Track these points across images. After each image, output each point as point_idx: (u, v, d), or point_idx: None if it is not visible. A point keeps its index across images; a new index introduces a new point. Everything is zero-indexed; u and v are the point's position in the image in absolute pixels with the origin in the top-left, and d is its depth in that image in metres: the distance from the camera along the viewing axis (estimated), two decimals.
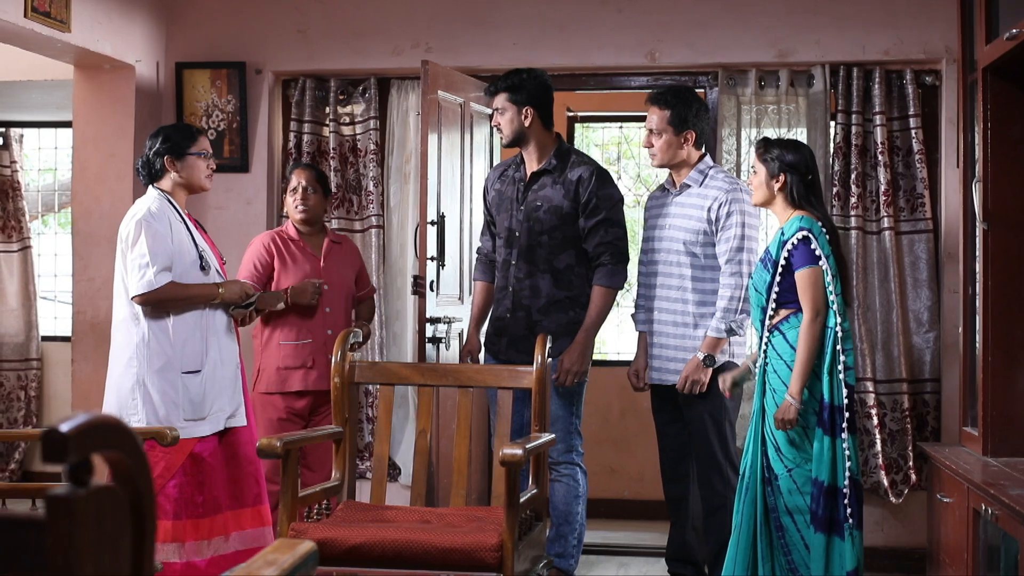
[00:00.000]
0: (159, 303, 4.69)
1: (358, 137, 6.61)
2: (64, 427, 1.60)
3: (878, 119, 6.14)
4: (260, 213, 6.54)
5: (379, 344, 6.52)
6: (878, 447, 6.04)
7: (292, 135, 6.61)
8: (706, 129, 5.39)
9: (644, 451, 7.54)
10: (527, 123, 5.30)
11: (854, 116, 6.17)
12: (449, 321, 5.88)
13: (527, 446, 3.94)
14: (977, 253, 4.75)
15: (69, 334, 8.40)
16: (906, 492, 6.10)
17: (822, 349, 4.60)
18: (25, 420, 8.08)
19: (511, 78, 5.31)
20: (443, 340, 5.83)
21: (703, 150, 5.36)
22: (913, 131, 6.14)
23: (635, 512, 7.44)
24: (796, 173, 4.74)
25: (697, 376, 5.17)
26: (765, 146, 4.84)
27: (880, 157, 6.12)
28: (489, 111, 6.37)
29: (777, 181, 4.76)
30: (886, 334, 6.14)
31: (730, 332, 5.16)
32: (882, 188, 6.12)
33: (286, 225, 5.72)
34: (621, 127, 8.21)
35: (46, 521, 1.61)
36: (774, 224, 5.94)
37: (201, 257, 4.85)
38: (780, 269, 4.69)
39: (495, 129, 5.45)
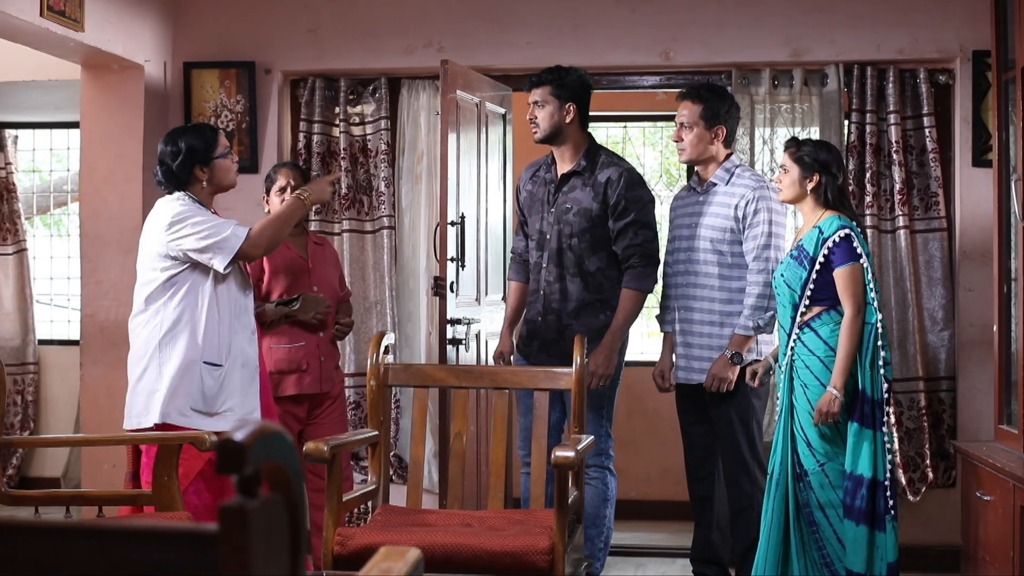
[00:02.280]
0: (266, 244, 4.60)
1: (368, 137, 6.56)
2: (239, 436, 1.56)
3: (892, 118, 6.15)
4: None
5: (392, 346, 6.46)
6: (895, 445, 6.05)
7: (302, 135, 6.55)
8: (736, 128, 5.37)
9: (650, 452, 7.54)
10: (567, 120, 5.25)
11: (868, 115, 6.17)
12: (468, 322, 5.84)
13: (578, 448, 3.92)
14: (1014, 251, 4.76)
15: (66, 337, 8.35)
16: (923, 490, 6.11)
17: (863, 344, 4.63)
18: (22, 425, 7.97)
19: (557, 72, 5.26)
20: (463, 342, 5.78)
21: (731, 149, 5.34)
22: (927, 130, 6.15)
23: (642, 513, 7.42)
24: (829, 173, 4.76)
25: (724, 374, 5.15)
26: (797, 145, 4.85)
27: (895, 156, 6.13)
28: (502, 111, 6.35)
29: (811, 181, 4.77)
30: (902, 333, 6.15)
31: (758, 330, 5.15)
32: (897, 187, 6.12)
33: None
34: (625, 127, 8.18)
35: (220, 534, 1.56)
36: (797, 221, 5.96)
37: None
38: (818, 266, 4.70)
39: (530, 122, 5.32)
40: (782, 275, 4.86)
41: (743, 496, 5.24)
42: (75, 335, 8.24)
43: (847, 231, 4.69)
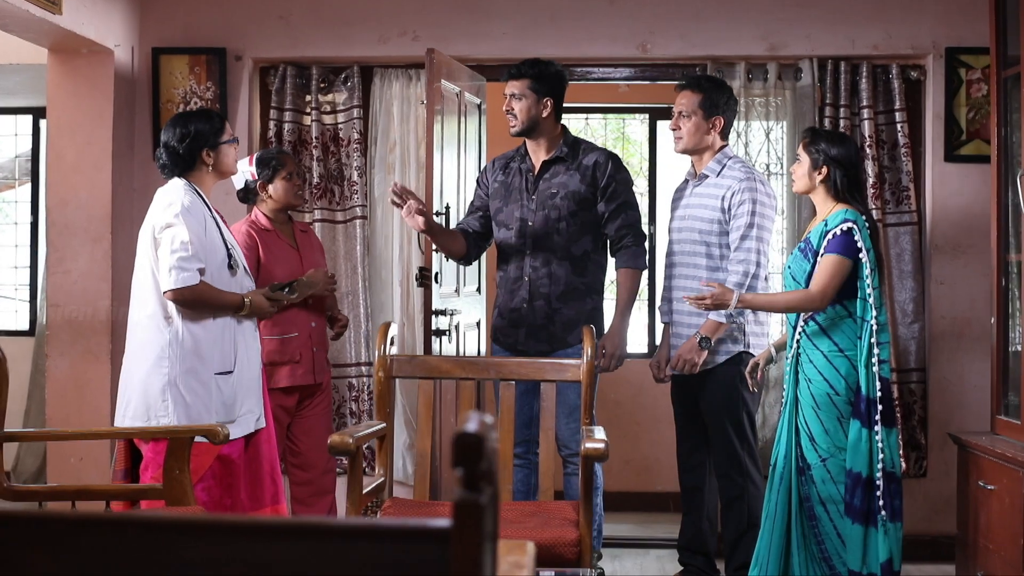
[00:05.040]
0: (191, 303, 4.49)
1: (340, 126, 6.47)
2: (472, 428, 1.53)
3: (865, 113, 6.22)
4: (240, 204, 6.32)
5: (364, 337, 6.41)
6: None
7: (272, 124, 6.44)
8: (733, 120, 5.40)
9: (611, 444, 7.52)
10: (544, 114, 5.24)
11: (841, 109, 6.23)
12: (451, 313, 5.80)
13: (605, 439, 3.91)
14: (1012, 245, 4.84)
15: (14, 328, 8.15)
16: None
17: (861, 342, 4.66)
18: None
19: (537, 66, 5.25)
20: (446, 333, 5.75)
21: (727, 141, 5.36)
22: (899, 125, 6.24)
23: (604, 504, 7.41)
24: (839, 167, 4.79)
25: (690, 356, 5.18)
26: (811, 137, 4.88)
27: (868, 150, 6.20)
28: (478, 101, 6.32)
29: (819, 173, 4.81)
30: None
31: (729, 318, 5.16)
32: (870, 181, 6.19)
33: (256, 216, 5.52)
34: (587, 118, 8.18)
35: (453, 529, 1.52)
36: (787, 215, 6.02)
37: (230, 256, 4.67)
38: (821, 259, 4.73)
39: (507, 114, 5.30)
40: (789, 268, 4.91)
41: (734, 487, 5.27)
42: (23, 325, 8.07)
43: (850, 224, 4.71)
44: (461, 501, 1.52)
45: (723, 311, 5.09)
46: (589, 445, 3.83)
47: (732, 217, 5.20)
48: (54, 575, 1.59)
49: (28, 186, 8.15)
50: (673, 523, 6.71)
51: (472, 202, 5.60)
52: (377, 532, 1.55)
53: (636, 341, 8.08)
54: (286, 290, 4.94)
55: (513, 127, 5.29)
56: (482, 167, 6.35)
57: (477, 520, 1.52)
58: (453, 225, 5.85)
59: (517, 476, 5.33)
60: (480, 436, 1.51)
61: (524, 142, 5.39)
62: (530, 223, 5.29)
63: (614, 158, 5.34)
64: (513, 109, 5.26)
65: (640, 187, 8.61)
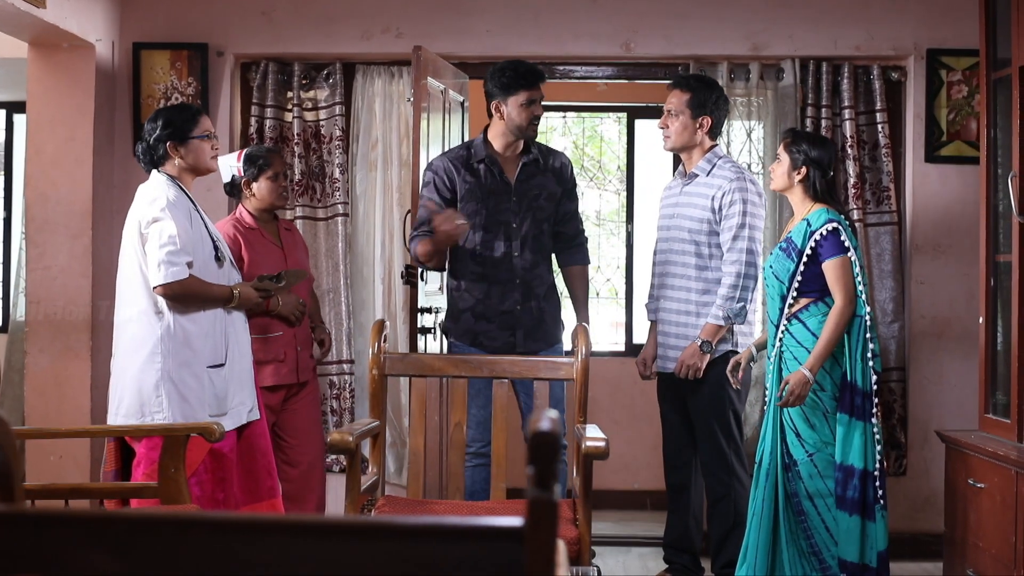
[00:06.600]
0: (181, 297, 4.46)
1: (322, 123, 6.45)
2: (546, 428, 1.53)
3: (846, 113, 6.26)
4: (221, 200, 6.27)
5: (346, 334, 6.39)
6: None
7: (253, 120, 6.40)
8: (723, 119, 5.41)
9: None
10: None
11: (823, 110, 6.27)
12: (436, 311, 5.79)
13: (605, 436, 3.92)
14: (1001, 245, 4.88)
15: None
16: None
17: (853, 336, 4.71)
18: None
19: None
20: (431, 330, 5.74)
21: (717, 141, 5.38)
22: (880, 125, 6.28)
23: None
24: (819, 168, 4.84)
25: (693, 361, 5.20)
26: (793, 137, 4.92)
27: (849, 151, 6.24)
28: (461, 99, 6.31)
29: (799, 173, 4.86)
30: None
31: (728, 320, 5.19)
32: (851, 181, 6.24)
33: (240, 213, 5.47)
34: (564, 116, 8.19)
35: (527, 528, 1.52)
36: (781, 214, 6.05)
37: (216, 248, 4.65)
38: (805, 258, 4.77)
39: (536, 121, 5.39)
40: (771, 267, 4.93)
41: (721, 486, 5.29)
42: None
43: (835, 224, 4.77)
44: (536, 500, 1.52)
45: (720, 315, 5.12)
46: (590, 444, 3.83)
47: (723, 217, 5.23)
48: (116, 575, 1.58)
49: (1, 180, 8.06)
50: (651, 521, 6.77)
51: (430, 212, 5.27)
52: (450, 531, 1.54)
53: (613, 339, 8.11)
54: (274, 280, 4.92)
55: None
56: (430, 169, 6.10)
57: (551, 518, 1.52)
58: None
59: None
60: (555, 435, 1.51)
61: (480, 140, 5.31)
62: (514, 224, 5.26)
63: (569, 160, 5.55)
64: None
65: (615, 186, 8.66)
